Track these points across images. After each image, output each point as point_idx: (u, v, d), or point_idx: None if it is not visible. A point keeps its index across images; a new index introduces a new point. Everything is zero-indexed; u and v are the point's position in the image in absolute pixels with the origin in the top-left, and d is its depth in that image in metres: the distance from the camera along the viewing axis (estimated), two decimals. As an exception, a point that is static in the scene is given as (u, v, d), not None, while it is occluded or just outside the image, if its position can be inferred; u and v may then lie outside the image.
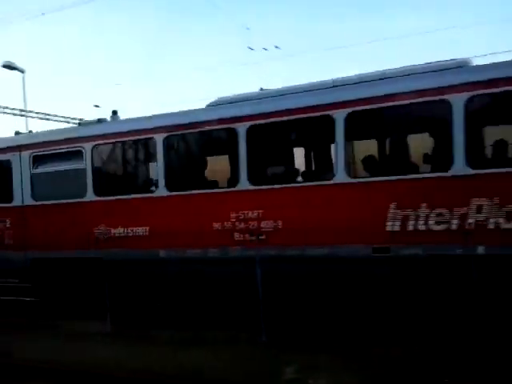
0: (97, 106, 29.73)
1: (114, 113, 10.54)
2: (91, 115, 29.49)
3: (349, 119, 7.51)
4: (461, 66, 7.38)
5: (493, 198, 6.69)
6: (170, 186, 8.82)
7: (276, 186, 8.08)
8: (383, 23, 73.31)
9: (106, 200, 9.43)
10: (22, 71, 29.11)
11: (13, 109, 31.14)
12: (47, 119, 33.06)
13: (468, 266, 6.76)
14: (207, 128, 8.63)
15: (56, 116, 33.05)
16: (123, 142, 9.37)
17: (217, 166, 9.14)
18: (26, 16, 44.19)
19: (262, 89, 9.10)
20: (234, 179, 8.37)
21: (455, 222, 6.90)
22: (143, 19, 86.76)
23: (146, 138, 9.20)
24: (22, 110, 30.89)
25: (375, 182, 7.47)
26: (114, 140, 9.46)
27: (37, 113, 32.63)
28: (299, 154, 9.22)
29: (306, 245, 7.77)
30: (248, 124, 8.20)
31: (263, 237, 8.03)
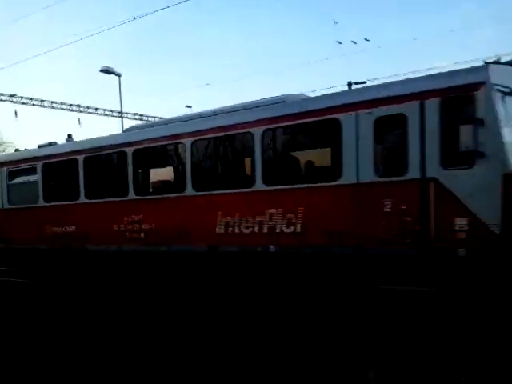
0: (188, 107, 30.30)
1: (69, 136, 13.57)
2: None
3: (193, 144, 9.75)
4: (280, 101, 9.17)
5: (278, 209, 8.65)
6: (88, 195, 11.64)
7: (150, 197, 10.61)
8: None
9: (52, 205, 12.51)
10: (118, 75, 29.23)
11: (111, 111, 35.49)
12: (141, 119, 36.96)
13: (266, 260, 8.89)
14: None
15: (148, 116, 36.87)
16: (58, 162, 12.32)
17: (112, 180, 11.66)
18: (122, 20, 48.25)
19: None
20: (124, 191, 10.93)
21: (256, 227, 8.95)
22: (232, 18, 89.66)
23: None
24: (119, 112, 33.57)
25: (209, 195, 9.65)
26: (55, 159, 12.44)
27: (133, 114, 36.81)
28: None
29: (171, 244, 10.20)
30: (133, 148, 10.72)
31: (143, 236, 10.59)
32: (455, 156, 6.89)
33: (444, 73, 7.38)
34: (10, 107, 33.05)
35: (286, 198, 8.55)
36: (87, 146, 11.64)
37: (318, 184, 8.26)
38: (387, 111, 7.49)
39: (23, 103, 31.33)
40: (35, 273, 13.01)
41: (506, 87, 6.84)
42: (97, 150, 11.41)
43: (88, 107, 35.58)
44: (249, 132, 9.01)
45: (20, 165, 13.33)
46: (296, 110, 8.57)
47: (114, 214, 11.02)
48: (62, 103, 33.76)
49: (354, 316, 7.89)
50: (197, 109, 28.74)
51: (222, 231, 9.40)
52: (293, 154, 9.12)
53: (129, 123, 35.63)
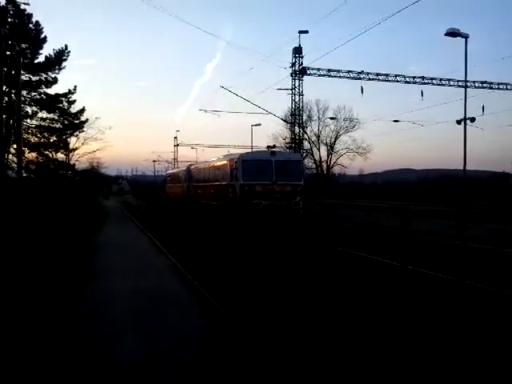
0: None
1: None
2: None
3: None
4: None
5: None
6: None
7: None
8: None
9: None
10: (465, 36, 28.44)
11: (457, 81, 36.69)
12: (490, 87, 36.58)
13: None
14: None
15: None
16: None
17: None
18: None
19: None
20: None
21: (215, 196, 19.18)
22: None
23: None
24: (459, 81, 34.90)
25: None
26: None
27: (481, 82, 36.53)
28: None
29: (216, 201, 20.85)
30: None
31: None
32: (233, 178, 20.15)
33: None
34: (357, 84, 38.66)
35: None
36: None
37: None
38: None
39: (369, 79, 36.58)
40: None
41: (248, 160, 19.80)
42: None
43: (432, 78, 36.46)
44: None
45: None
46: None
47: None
48: (404, 76, 36.54)
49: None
50: None
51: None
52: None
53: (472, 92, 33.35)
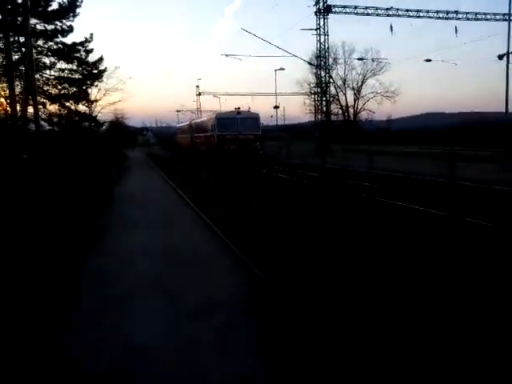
0: None
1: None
2: None
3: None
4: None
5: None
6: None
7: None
8: None
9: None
10: None
11: (494, 14, 34.08)
12: None
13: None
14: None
15: None
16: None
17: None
18: None
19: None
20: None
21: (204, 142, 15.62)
22: None
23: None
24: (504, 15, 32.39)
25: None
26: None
27: None
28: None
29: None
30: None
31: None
32: (213, 130, 29.08)
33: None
34: (386, 22, 36.32)
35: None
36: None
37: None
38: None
39: (398, 16, 34.25)
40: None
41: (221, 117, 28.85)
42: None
43: (466, 13, 33.81)
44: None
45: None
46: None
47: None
48: (437, 11, 34.02)
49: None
50: None
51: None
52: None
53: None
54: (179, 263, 6.67)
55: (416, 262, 6.02)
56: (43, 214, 8.65)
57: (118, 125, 50.87)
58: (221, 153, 26.76)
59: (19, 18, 20.57)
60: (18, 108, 14.30)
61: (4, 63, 18.52)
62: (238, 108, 29.83)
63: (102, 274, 6.21)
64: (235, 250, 6.98)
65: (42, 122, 27.20)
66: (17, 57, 22.95)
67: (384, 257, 6.31)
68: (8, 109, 16.92)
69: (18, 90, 19.85)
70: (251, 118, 28.46)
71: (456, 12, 33.59)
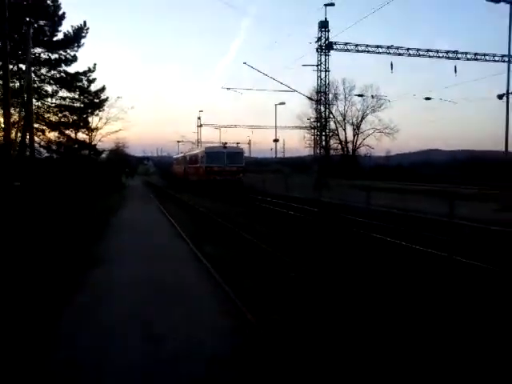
0: None
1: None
2: None
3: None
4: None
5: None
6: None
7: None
8: None
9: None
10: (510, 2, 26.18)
11: (494, 55, 34.68)
12: None
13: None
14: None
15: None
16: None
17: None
18: None
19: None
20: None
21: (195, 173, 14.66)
22: None
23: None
24: (504, 56, 33.26)
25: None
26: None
27: None
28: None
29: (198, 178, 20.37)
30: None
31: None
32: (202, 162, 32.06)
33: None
34: (386, 59, 36.98)
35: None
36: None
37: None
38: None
39: (399, 54, 34.76)
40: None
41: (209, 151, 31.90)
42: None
43: (466, 53, 34.35)
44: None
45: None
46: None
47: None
48: (437, 51, 34.53)
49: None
50: None
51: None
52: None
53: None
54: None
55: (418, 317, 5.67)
56: (29, 241, 8.33)
57: (118, 153, 50.99)
58: (208, 182, 29.95)
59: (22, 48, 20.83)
60: (13, 135, 14.19)
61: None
62: (225, 143, 33.78)
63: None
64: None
65: (41, 149, 27.21)
66: (18, 84, 23.04)
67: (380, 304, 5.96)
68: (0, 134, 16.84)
69: (16, 116, 19.85)
70: (236, 152, 31.96)
71: (456, 52, 34.09)
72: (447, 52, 34.38)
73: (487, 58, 34.30)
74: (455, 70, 34.72)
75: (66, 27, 26.22)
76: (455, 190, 21.08)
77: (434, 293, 6.50)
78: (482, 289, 6.75)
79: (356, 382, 3.89)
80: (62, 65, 27.04)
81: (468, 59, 34.48)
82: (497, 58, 33.55)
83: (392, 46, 34.26)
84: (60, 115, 28.27)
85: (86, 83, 28.83)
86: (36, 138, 25.24)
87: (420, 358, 4.27)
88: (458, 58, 34.35)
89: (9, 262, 7.21)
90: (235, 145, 34.32)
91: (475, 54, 34.34)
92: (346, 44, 33.94)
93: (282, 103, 45.79)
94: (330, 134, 47.41)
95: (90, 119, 31.75)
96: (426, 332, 4.91)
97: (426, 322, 5.24)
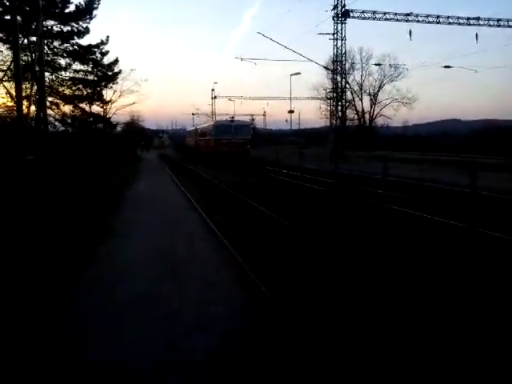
0: None
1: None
2: None
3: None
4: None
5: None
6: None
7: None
8: None
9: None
10: None
11: None
12: None
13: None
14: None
15: None
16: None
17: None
18: None
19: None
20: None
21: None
22: None
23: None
24: None
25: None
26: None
27: None
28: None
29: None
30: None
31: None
32: (211, 135, 33.69)
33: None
34: (404, 27, 35.75)
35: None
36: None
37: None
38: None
39: (418, 21, 33.58)
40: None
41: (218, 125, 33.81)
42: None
43: (488, 19, 33.00)
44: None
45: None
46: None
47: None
48: (457, 17, 33.27)
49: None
50: None
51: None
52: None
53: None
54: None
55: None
56: (42, 214, 8.40)
57: (133, 126, 51.04)
58: (217, 154, 31.43)
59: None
60: (25, 108, 14.16)
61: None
62: (232, 117, 37.87)
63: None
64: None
65: (56, 123, 27.33)
66: (30, 58, 22.96)
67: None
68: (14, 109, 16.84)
69: (28, 90, 19.85)
70: (243, 125, 33.72)
71: (477, 18, 32.83)
72: (468, 19, 33.12)
73: (511, 23, 32.95)
74: (476, 37, 33.63)
75: (77, -1, 25.90)
76: (478, 160, 20.53)
77: (450, 264, 6.37)
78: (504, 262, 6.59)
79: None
80: (75, 37, 26.84)
81: (490, 25, 33.21)
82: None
83: (411, 13, 33.13)
84: (74, 88, 28.25)
85: (99, 56, 28.68)
86: (51, 112, 25.39)
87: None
88: (480, 25, 33.11)
89: (21, 235, 7.28)
90: (249, 118, 37.01)
91: (498, 20, 33.00)
92: (363, 12, 32.94)
93: (298, 73, 44.99)
94: (347, 104, 46.38)
95: (103, 92, 31.72)
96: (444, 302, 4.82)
97: (442, 294, 5.14)
